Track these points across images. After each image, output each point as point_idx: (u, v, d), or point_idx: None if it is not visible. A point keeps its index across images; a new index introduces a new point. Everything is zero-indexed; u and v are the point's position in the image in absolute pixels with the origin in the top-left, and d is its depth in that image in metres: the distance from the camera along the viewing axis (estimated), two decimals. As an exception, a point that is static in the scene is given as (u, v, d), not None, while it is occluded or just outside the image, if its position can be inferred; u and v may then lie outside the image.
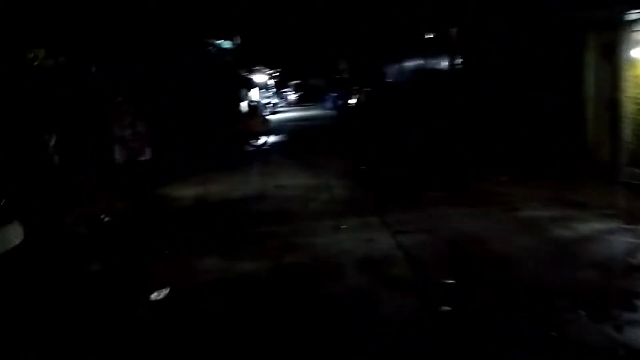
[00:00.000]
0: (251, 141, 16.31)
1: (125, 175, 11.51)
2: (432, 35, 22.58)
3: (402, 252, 5.79)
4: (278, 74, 46.10)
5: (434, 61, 22.33)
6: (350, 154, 14.12)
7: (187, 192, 10.31)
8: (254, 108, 28.05)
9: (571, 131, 9.09)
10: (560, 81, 9.40)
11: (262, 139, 17.13)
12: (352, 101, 27.54)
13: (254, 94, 34.13)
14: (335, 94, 34.57)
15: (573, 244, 5.70)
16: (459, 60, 17.95)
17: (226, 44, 29.79)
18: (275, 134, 20.60)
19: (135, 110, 12.30)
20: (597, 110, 9.00)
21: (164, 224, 8.02)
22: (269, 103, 37.87)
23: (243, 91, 22.56)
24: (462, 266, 5.28)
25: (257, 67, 37.32)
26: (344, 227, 7.01)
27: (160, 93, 13.69)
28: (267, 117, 25.07)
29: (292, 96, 48.55)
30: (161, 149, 12.70)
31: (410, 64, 26.79)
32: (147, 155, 12.33)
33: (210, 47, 24.18)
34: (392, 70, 31.98)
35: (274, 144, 17.89)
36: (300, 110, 38.85)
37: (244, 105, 24.40)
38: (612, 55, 8.54)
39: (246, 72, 31.93)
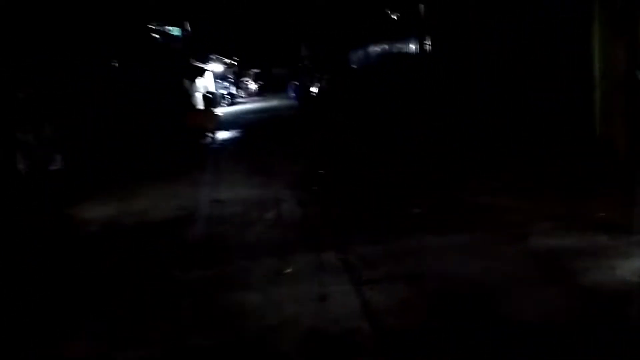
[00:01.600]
0: (196, 139, 14.11)
1: (26, 191, 9.25)
2: (398, 15, 20.70)
3: (369, 323, 3.81)
4: (237, 63, 43.63)
5: (401, 44, 20.46)
6: (309, 153, 12.11)
7: (99, 211, 8.15)
8: (206, 100, 25.79)
9: (578, 124, 7.30)
10: (564, 67, 7.67)
11: (210, 137, 14.92)
12: (314, 90, 25.48)
13: (209, 85, 31.74)
14: (297, 83, 32.42)
15: (624, 300, 3.82)
16: (428, 42, 16.09)
17: (175, 30, 27.28)
18: (228, 129, 18.40)
19: (42, 109, 10.00)
20: (607, 96, 7.23)
21: (44, 271, 5.86)
22: (227, 94, 35.47)
23: (193, 82, 20.21)
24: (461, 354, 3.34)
25: (213, 56, 34.88)
26: (288, 270, 5.01)
27: (79, 86, 11.39)
28: (217, 111, 22.83)
29: (252, 86, 46.11)
30: (79, 155, 10.45)
31: (375, 48, 24.86)
32: (57, 163, 10.05)
33: (155, 33, 21.79)
34: (355, 56, 29.99)
35: (223, 141, 15.72)
36: (261, 101, 36.55)
37: (196, 98, 22.10)
38: (625, 24, 6.79)
39: (200, 61, 29.49)
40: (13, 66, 9.93)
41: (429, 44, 15.95)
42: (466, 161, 9.21)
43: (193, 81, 19.80)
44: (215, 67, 34.97)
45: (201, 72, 22.10)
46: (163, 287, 4.99)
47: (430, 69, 14.35)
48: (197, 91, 23.62)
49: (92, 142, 10.91)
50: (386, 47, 22.14)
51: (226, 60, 39.01)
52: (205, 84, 30.31)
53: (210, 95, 29.60)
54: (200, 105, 24.22)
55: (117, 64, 13.82)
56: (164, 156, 12.53)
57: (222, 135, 16.89)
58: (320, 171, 9.72)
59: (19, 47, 10.11)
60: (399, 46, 20.26)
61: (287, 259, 5.32)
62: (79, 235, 7.06)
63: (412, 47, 19.08)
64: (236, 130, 18.17)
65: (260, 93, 44.93)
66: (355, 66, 27.79)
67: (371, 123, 15.17)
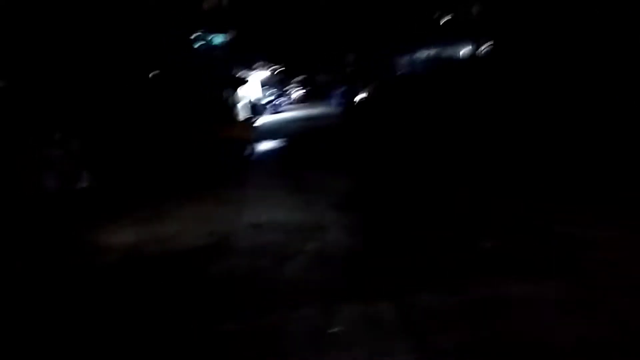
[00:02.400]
0: (235, 152, 13.27)
1: (50, 212, 8.59)
2: (449, 18, 19.36)
3: None
4: (282, 70, 43.06)
5: (453, 48, 19.10)
6: (356, 166, 11.03)
7: (122, 237, 7.34)
8: (250, 109, 25.10)
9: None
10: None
11: (250, 149, 14.06)
12: (360, 97, 24.37)
13: (253, 93, 31.18)
14: (343, 90, 31.40)
15: None
16: (486, 45, 14.74)
17: (218, 38, 26.82)
18: (270, 139, 17.56)
19: (67, 123, 9.35)
20: None
21: (44, 312, 5.04)
22: (271, 101, 34.88)
23: (234, 91, 19.50)
24: None
25: (258, 63, 34.42)
26: (334, 330, 3.96)
27: (110, 98, 10.73)
28: (259, 120, 22.05)
29: (296, 93, 45.43)
30: (107, 171, 9.75)
31: (423, 53, 23.58)
32: (84, 181, 9.38)
33: (197, 41, 21.27)
34: (403, 61, 28.74)
35: (264, 153, 14.85)
36: (305, 108, 35.67)
37: (237, 107, 21.43)
38: None
39: (245, 68, 28.99)
40: (40, 77, 9.34)
41: (485, 47, 14.61)
42: (548, 180, 7.59)
43: (234, 90, 19.06)
44: (260, 74, 34.47)
45: (244, 80, 21.37)
46: (176, 347, 4.02)
47: (489, 74, 13.03)
48: (240, 100, 22.99)
49: (122, 157, 10.21)
50: (435, 51, 20.82)
51: (271, 66, 38.50)
52: (249, 92, 29.76)
53: (254, 104, 29.04)
54: (243, 114, 23.59)
55: (152, 74, 13.17)
56: (200, 171, 11.73)
57: (263, 146, 16.04)
58: (369, 188, 8.63)
59: (47, 56, 9.53)
60: (449, 50, 18.91)
61: (332, 310, 4.27)
62: (95, 267, 6.22)
63: (465, 50, 17.71)
64: (278, 141, 17.29)
65: (304, 100, 44.17)
66: (402, 72, 26.57)
67: (424, 134, 13.96)
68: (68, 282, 5.83)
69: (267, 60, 36.39)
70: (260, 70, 34.25)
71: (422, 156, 11.15)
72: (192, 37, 20.48)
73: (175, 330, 4.31)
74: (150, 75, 13.57)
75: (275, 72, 40.52)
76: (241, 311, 4.50)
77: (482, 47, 14.14)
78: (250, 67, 31.39)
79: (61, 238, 7.51)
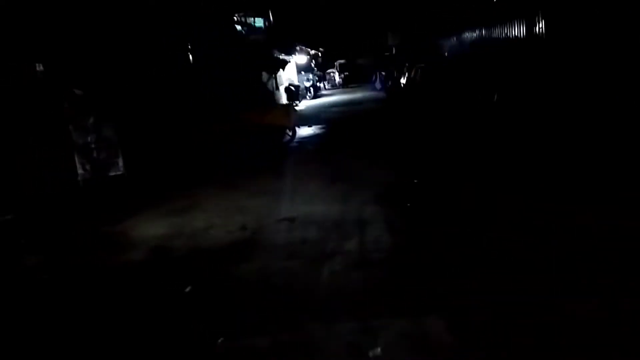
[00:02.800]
0: (273, 138, 12.80)
1: (80, 202, 8.33)
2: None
3: None
4: (321, 53, 42.33)
5: (502, 28, 17.98)
6: (398, 155, 10.37)
7: (150, 229, 6.96)
8: (289, 94, 24.59)
9: None
10: None
11: (288, 134, 13.56)
12: (403, 81, 23.50)
13: (293, 77, 30.66)
14: (384, 73, 30.52)
15: None
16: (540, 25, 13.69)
17: (259, 21, 26.38)
18: (309, 124, 17.02)
19: (100, 107, 9.04)
20: None
21: (50, 321, 4.67)
22: (311, 86, 34.27)
23: (273, 76, 19.02)
24: None
25: (297, 47, 33.84)
26: (374, 353, 3.41)
27: (144, 81, 10.38)
28: (298, 105, 21.48)
29: (337, 77, 44.64)
30: (142, 158, 9.44)
31: (471, 33, 22.49)
32: (119, 169, 9.08)
33: (237, 25, 20.84)
34: (449, 44, 27.59)
35: (303, 140, 14.32)
36: (346, 92, 34.94)
37: (276, 92, 20.96)
38: None
39: (284, 52, 28.48)
40: (72, 59, 9.05)
41: (540, 27, 13.56)
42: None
43: (274, 74, 18.56)
44: (299, 58, 33.88)
45: (283, 64, 20.83)
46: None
47: (545, 56, 12.02)
48: (279, 84, 22.52)
49: (158, 144, 9.87)
50: (484, 32, 19.76)
51: (311, 50, 37.85)
52: (288, 76, 29.26)
53: (293, 89, 28.52)
54: (282, 99, 23.11)
55: (190, 57, 12.79)
56: (236, 157, 11.31)
57: (302, 132, 15.51)
58: (414, 181, 7.99)
59: (80, 37, 9.22)
60: (499, 31, 17.86)
61: (373, 325, 3.73)
62: (117, 265, 5.84)
63: (516, 31, 16.60)
64: (317, 127, 16.75)
65: (344, 84, 43.38)
66: (447, 54, 25.48)
67: (473, 121, 13.11)
68: (85, 281, 5.47)
69: (306, 43, 35.76)
70: (300, 54, 33.63)
71: (473, 143, 10.37)
72: (233, 20, 20.09)
73: (198, 343, 3.86)
74: (190, 57, 13.20)
75: (315, 56, 39.84)
76: (271, 324, 4.00)
77: (538, 26, 13.07)
78: (290, 50, 30.84)
79: (87, 231, 7.20)
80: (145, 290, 5.03)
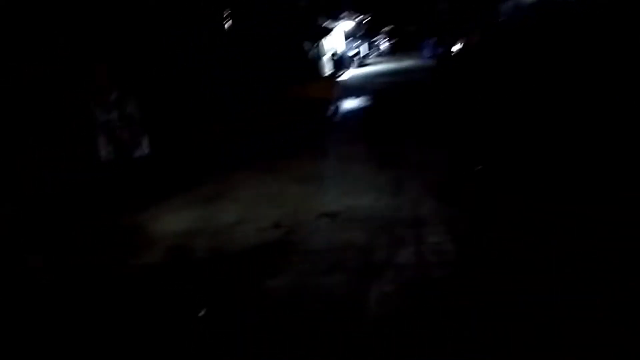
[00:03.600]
0: (315, 113, 11.76)
1: (104, 185, 7.59)
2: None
3: None
4: (368, 19, 40.52)
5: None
6: (456, 136, 9.14)
7: (172, 223, 6.15)
8: (334, 63, 23.36)
9: None
10: None
11: (332, 109, 12.48)
12: (457, 48, 21.81)
13: (338, 45, 29.32)
14: (434, 41, 28.70)
15: None
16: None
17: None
18: (354, 96, 15.83)
19: (124, 82, 8.22)
20: None
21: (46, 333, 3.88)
22: (357, 54, 32.84)
23: (317, 44, 17.83)
24: None
25: (343, 13, 32.34)
26: None
27: (174, 52, 9.48)
28: (342, 76, 20.20)
29: (384, 45, 42.86)
30: (170, 137, 8.62)
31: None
32: (143, 149, 8.29)
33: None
34: (506, 6, 25.50)
35: (347, 115, 13.19)
36: (393, 61, 33.27)
37: (320, 61, 19.79)
38: None
39: (330, 18, 27.13)
40: (94, 28, 8.20)
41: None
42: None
43: (317, 43, 17.37)
44: (345, 24, 32.41)
45: (327, 32, 19.57)
46: None
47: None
48: (323, 54, 21.30)
49: (188, 121, 9.01)
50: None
51: (358, 16, 36.21)
52: (333, 44, 27.95)
53: (339, 57, 27.23)
54: (327, 68, 21.91)
55: (225, 25, 11.80)
56: (274, 135, 10.35)
57: (347, 105, 14.37)
58: (477, 167, 6.82)
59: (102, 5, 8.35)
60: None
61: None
62: (129, 268, 5.04)
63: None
64: (363, 99, 15.53)
65: (392, 52, 41.61)
66: (506, 19, 23.50)
67: (544, 95, 11.60)
68: (91, 288, 4.68)
69: (353, 9, 34.13)
70: (346, 20, 32.12)
71: (544, 122, 9.00)
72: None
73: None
74: (225, 25, 12.20)
75: (362, 22, 38.13)
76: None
77: None
78: (335, 17, 29.41)
79: (105, 223, 6.45)
80: (154, 300, 4.20)
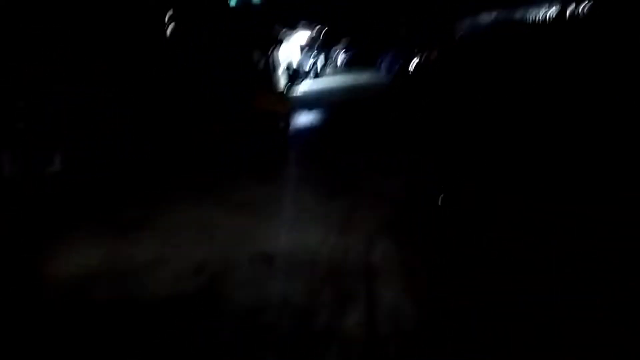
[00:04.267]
0: (265, 129, 10.79)
1: (5, 207, 6.37)
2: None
3: None
4: (326, 31, 39.89)
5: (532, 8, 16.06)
6: (413, 157, 8.36)
7: (74, 260, 5.02)
8: (288, 74, 22.46)
9: None
10: None
11: (281, 125, 11.54)
12: (414, 65, 21.35)
13: (293, 56, 28.51)
14: (392, 56, 28.29)
15: None
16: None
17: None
18: (308, 111, 14.96)
19: (35, 87, 7.02)
20: None
21: None
22: (313, 66, 32.10)
23: (268, 54, 16.88)
24: None
25: (301, 23, 31.62)
26: None
27: (101, 56, 8.32)
28: (294, 90, 19.31)
29: (341, 58, 42.39)
30: (88, 154, 7.46)
31: (491, 14, 20.55)
32: (56, 165, 7.10)
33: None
34: (464, 24, 25.39)
35: (299, 132, 12.28)
36: (350, 74, 32.72)
37: (273, 72, 18.84)
38: None
39: (287, 28, 26.29)
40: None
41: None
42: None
43: (269, 52, 16.42)
44: (301, 35, 31.66)
45: (279, 40, 18.66)
46: None
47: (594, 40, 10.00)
48: (276, 64, 20.37)
49: (114, 131, 7.86)
50: (507, 12, 17.81)
51: (314, 27, 35.54)
52: (288, 55, 27.10)
53: (294, 69, 26.37)
54: (280, 80, 21.00)
55: (168, 30, 10.71)
56: (213, 153, 9.32)
57: (300, 121, 13.46)
58: (440, 196, 6.01)
59: None
60: (524, 12, 15.88)
61: None
62: (6, 321, 3.92)
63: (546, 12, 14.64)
64: (318, 115, 14.69)
65: (349, 66, 41.11)
66: (464, 37, 23.28)
67: (501, 114, 11.04)
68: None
69: (310, 19, 33.43)
70: (303, 30, 31.37)
71: (507, 141, 8.34)
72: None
73: None
74: (167, 29, 11.11)
75: (319, 34, 37.50)
76: None
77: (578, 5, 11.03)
78: (291, 27, 28.62)
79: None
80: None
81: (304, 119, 13.82)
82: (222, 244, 5.15)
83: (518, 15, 17.92)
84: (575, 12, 12.79)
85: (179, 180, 7.91)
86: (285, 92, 14.51)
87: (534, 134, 8.06)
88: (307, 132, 12.16)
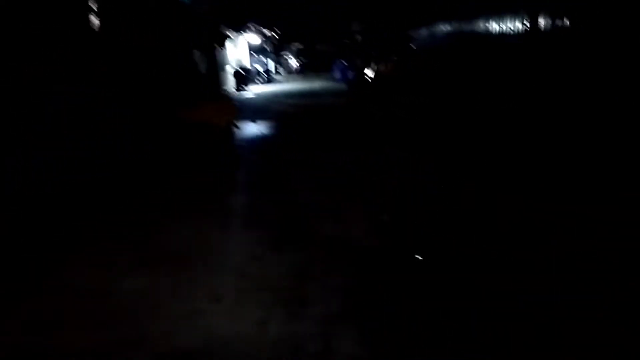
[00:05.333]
0: (204, 143, 9.13)
1: None
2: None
3: None
4: (277, 35, 38.36)
5: (491, 22, 15.10)
6: (373, 178, 7.01)
7: None
8: (237, 78, 20.84)
9: None
10: None
11: (226, 138, 9.89)
12: (369, 73, 20.14)
13: (243, 59, 26.86)
14: (346, 63, 27.09)
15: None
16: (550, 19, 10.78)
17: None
18: (257, 120, 13.40)
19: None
20: None
21: None
22: (264, 70, 30.51)
23: (210, 55, 15.16)
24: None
25: (250, 25, 29.96)
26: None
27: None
28: (240, 96, 17.74)
29: (293, 63, 40.97)
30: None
31: (447, 26, 19.56)
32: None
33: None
34: (420, 35, 24.48)
35: (246, 143, 10.69)
36: (302, 80, 31.31)
37: (219, 75, 17.16)
38: None
39: (234, 30, 24.58)
40: None
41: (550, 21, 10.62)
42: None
43: (213, 54, 14.71)
44: (251, 37, 30.02)
45: (222, 39, 16.92)
46: None
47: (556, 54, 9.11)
48: (221, 67, 18.68)
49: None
50: (464, 25, 16.91)
51: (265, 31, 33.95)
52: (237, 57, 25.43)
53: (243, 72, 24.73)
54: (226, 85, 19.31)
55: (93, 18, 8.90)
56: (137, 174, 7.64)
57: (247, 132, 11.88)
58: (383, 217, 4.66)
59: None
60: (486, 25, 14.97)
61: None
62: None
63: (507, 27, 13.76)
64: (265, 124, 13.12)
65: (301, 71, 39.78)
66: (421, 48, 22.36)
67: (465, 128, 9.93)
68: None
69: (259, 22, 31.83)
70: (251, 33, 29.73)
71: (468, 160, 7.15)
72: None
73: None
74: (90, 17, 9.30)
75: (270, 38, 35.90)
76: None
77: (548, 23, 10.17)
78: (239, 29, 26.93)
79: None
80: None
81: (253, 129, 12.23)
82: (118, 331, 3.53)
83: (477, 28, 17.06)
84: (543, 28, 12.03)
85: (99, 212, 6.18)
86: (231, 98, 12.86)
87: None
88: (256, 145, 10.57)
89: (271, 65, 33.41)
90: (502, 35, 13.66)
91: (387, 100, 15.53)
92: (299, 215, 5.84)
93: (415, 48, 21.38)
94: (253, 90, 24.43)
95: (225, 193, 7.16)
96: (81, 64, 7.05)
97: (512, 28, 11.63)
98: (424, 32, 21.96)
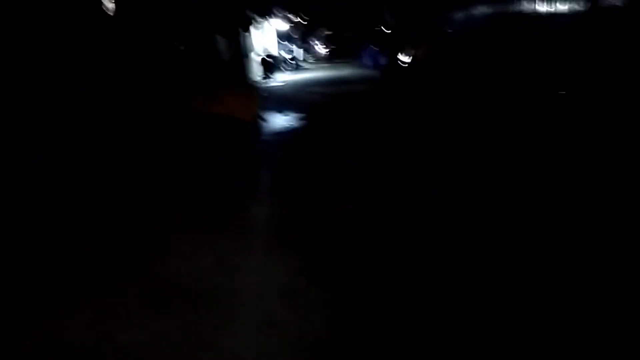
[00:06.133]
0: (226, 138, 8.16)
1: None
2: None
3: None
4: (305, 22, 37.21)
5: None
6: (415, 178, 5.96)
7: None
8: (265, 65, 19.84)
9: None
10: None
11: (253, 129, 8.89)
12: (405, 59, 18.88)
13: (270, 46, 25.85)
14: (377, 49, 25.80)
15: None
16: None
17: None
18: (283, 110, 12.35)
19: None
20: None
21: None
22: (291, 58, 29.44)
23: (237, 42, 14.15)
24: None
25: (278, 11, 28.96)
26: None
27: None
28: (267, 85, 16.72)
29: (321, 50, 39.78)
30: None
31: (484, 7, 18.36)
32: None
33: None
34: (456, 18, 22.97)
35: (273, 139, 9.68)
36: (330, 68, 30.10)
37: (244, 63, 16.18)
38: None
39: (261, 16, 23.58)
40: None
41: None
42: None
43: (238, 40, 13.70)
44: (279, 24, 28.99)
45: (246, 23, 15.90)
46: None
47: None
48: (247, 54, 17.69)
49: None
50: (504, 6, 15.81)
51: (293, 17, 32.86)
52: (262, 44, 24.42)
53: (270, 60, 23.75)
54: (252, 73, 18.34)
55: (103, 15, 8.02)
56: (137, 175, 6.71)
57: (274, 125, 10.85)
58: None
59: None
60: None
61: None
62: None
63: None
64: (293, 116, 12.07)
65: (330, 58, 38.56)
66: (457, 32, 20.95)
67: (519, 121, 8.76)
68: None
69: (288, 8, 30.77)
70: (279, 19, 28.69)
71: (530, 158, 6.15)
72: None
73: None
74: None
75: (298, 24, 34.79)
76: None
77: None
78: (267, 15, 25.94)
79: None
80: None
81: (279, 121, 11.20)
82: None
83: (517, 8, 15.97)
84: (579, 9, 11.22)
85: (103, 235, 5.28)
86: (257, 86, 11.84)
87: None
88: (282, 141, 9.54)
89: (298, 52, 32.30)
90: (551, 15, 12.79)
91: (421, 86, 14.35)
92: (332, 230, 4.82)
93: (451, 31, 20.03)
94: (280, 79, 23.41)
95: (247, 199, 6.17)
96: (81, 64, 6.72)
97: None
98: (460, 15, 20.63)
